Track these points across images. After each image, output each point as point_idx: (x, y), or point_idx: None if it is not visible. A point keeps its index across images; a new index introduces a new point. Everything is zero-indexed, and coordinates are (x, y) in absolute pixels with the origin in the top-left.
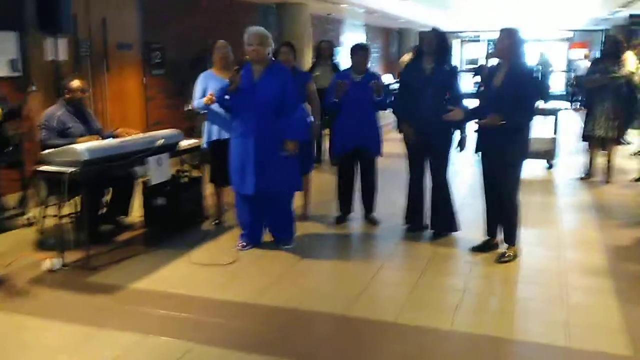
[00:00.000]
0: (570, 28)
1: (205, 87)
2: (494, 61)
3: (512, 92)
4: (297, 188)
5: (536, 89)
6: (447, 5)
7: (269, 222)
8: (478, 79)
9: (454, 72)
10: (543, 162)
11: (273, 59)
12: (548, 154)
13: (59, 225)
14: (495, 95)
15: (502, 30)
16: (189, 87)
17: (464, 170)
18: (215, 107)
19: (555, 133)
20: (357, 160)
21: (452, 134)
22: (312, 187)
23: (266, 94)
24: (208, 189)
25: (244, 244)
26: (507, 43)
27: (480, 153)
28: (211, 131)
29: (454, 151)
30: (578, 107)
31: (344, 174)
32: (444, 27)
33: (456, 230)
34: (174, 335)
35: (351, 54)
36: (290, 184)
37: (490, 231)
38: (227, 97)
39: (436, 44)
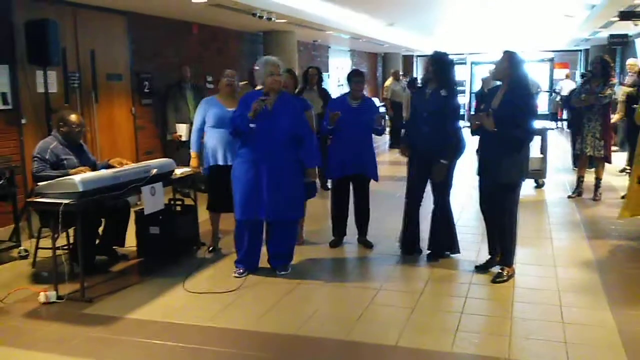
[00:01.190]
0: (551, 49)
1: (205, 114)
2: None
3: (510, 113)
4: (302, 213)
5: (533, 110)
6: (431, 32)
7: (271, 248)
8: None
9: (450, 96)
10: (532, 182)
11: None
12: (537, 173)
13: (54, 257)
14: (493, 115)
15: (503, 52)
16: (167, 115)
17: (458, 193)
18: (217, 132)
19: (543, 152)
20: (351, 184)
21: (454, 155)
22: (306, 212)
23: (282, 123)
24: (204, 216)
25: (241, 270)
26: (506, 65)
27: (479, 173)
28: (208, 157)
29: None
30: (566, 127)
31: (339, 197)
32: (428, 50)
33: (457, 252)
34: None
35: (349, 80)
36: (299, 211)
37: (493, 250)
38: (252, 125)
39: (432, 70)
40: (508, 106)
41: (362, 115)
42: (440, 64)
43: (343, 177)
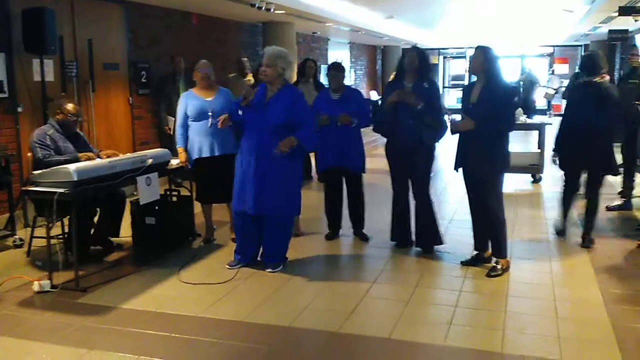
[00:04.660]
0: (551, 44)
1: (185, 108)
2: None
3: (488, 107)
4: (296, 212)
5: (511, 103)
6: (430, 24)
7: (263, 243)
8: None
9: (433, 89)
10: (529, 176)
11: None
12: (534, 168)
13: (48, 246)
14: (471, 110)
15: (476, 48)
16: (160, 108)
17: (453, 186)
18: (195, 126)
19: (540, 147)
20: (343, 177)
21: (433, 150)
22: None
23: (273, 115)
24: (200, 207)
25: (234, 262)
26: (481, 60)
27: (461, 169)
28: (193, 150)
29: (436, 164)
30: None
31: (330, 191)
32: (427, 43)
33: (441, 244)
34: (166, 355)
35: (327, 74)
36: (289, 207)
37: (479, 245)
38: (240, 112)
39: (418, 62)
40: (485, 100)
41: (343, 107)
42: (424, 58)
43: (328, 170)
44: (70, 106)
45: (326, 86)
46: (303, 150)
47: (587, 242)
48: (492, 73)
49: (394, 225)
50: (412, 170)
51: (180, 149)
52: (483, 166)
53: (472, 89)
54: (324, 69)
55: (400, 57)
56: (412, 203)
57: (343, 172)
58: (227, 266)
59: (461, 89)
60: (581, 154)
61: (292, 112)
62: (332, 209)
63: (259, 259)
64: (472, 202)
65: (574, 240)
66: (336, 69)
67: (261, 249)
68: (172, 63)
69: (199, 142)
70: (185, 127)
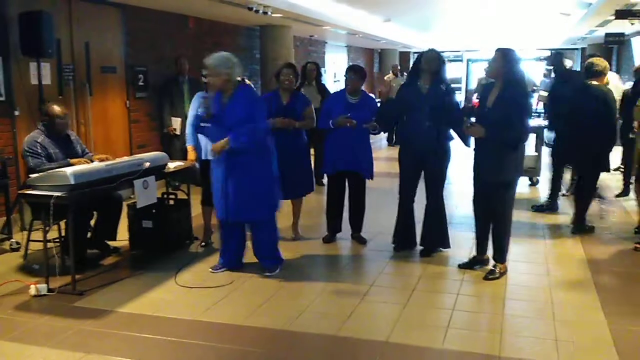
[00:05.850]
0: (548, 47)
1: (197, 110)
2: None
3: (504, 111)
4: (275, 208)
5: (529, 108)
6: (428, 28)
7: (254, 247)
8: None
9: (450, 91)
10: (526, 180)
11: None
12: (531, 171)
13: (45, 250)
14: (487, 113)
15: (496, 50)
16: (163, 109)
17: (452, 188)
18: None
19: (538, 150)
20: (346, 181)
21: (449, 151)
22: (301, 207)
23: (232, 120)
24: (197, 210)
25: (218, 265)
26: (501, 63)
27: (474, 171)
28: (204, 151)
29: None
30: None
31: (334, 193)
32: (424, 47)
33: (448, 247)
34: (163, 359)
35: (345, 76)
36: (268, 208)
37: (480, 248)
38: (202, 124)
39: (437, 65)
40: (503, 105)
41: (359, 112)
42: (443, 61)
43: (337, 173)
44: (56, 109)
45: (328, 89)
46: (265, 149)
47: (577, 228)
48: (510, 78)
49: (398, 228)
50: (426, 173)
51: (190, 147)
52: (494, 171)
53: (490, 91)
54: (323, 72)
55: (417, 58)
56: (415, 206)
57: (350, 176)
58: (211, 270)
59: (459, 92)
60: (569, 150)
61: (248, 113)
62: (334, 212)
63: (258, 262)
64: (479, 205)
65: (572, 243)
66: (354, 72)
67: (244, 251)
68: (176, 64)
69: (207, 144)
70: (195, 126)
